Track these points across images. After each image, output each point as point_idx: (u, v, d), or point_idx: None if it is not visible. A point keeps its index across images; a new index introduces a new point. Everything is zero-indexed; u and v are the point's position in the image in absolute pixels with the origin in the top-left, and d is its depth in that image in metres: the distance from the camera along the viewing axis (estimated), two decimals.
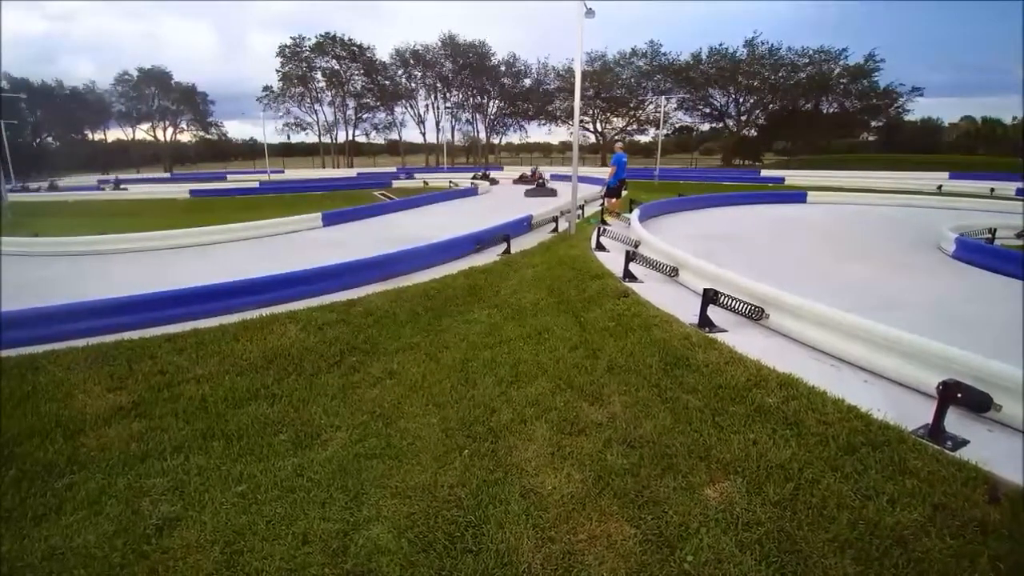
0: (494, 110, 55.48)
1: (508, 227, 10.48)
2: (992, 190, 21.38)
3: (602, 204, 15.73)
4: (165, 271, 9.14)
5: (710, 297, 5.18)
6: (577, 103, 12.11)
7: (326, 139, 55.68)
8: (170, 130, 57.41)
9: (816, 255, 9.76)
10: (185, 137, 59.59)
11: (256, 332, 5.35)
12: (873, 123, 46.65)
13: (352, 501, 2.88)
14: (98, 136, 58.40)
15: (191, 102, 56.79)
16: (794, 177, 27.95)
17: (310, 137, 56.39)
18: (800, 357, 4.55)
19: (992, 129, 47.59)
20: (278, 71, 51.79)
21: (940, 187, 23.09)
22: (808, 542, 2.41)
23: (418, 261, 8.24)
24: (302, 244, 11.71)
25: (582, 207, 14.28)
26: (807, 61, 42.35)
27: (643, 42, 49.98)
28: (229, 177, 39.97)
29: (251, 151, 58.55)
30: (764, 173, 31.38)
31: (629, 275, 7.17)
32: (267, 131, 49.34)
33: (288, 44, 50.57)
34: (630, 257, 7.19)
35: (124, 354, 4.85)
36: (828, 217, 14.67)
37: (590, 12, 11.33)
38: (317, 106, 53.88)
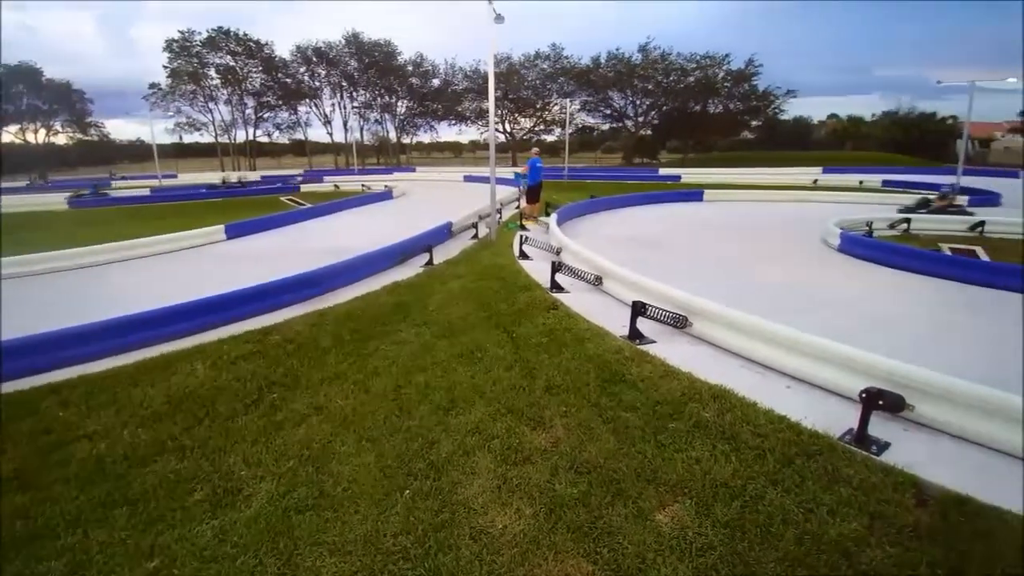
0: (403, 110, 54.30)
1: (429, 236, 10.23)
2: (861, 182, 24.38)
3: (519, 207, 15.88)
4: (27, 306, 7.95)
5: (638, 309, 5.32)
6: (492, 107, 12.11)
7: (224, 139, 51.66)
8: (43, 132, 50.70)
9: (713, 248, 10.88)
10: (61, 139, 52.80)
11: (158, 373, 4.80)
12: (753, 123, 50.82)
13: (285, 565, 2.63)
14: None
15: (66, 101, 50.42)
16: (688, 175, 29.98)
17: (205, 137, 51.99)
18: (726, 364, 4.77)
19: (856, 126, 53.70)
20: (166, 67, 47.25)
21: (815, 181, 25.64)
22: (760, 563, 2.48)
23: (338, 279, 7.78)
24: (202, 263, 10.63)
25: (499, 211, 14.28)
26: (695, 66, 45.18)
27: (546, 45, 50.93)
28: (115, 183, 35.58)
29: (139, 153, 52.71)
30: (662, 171, 32.99)
31: (556, 285, 7.23)
32: (156, 131, 44.19)
33: (176, 39, 46.21)
34: (556, 267, 7.24)
35: None
36: (725, 216, 15.70)
37: (499, 17, 11.32)
38: (212, 104, 49.78)
